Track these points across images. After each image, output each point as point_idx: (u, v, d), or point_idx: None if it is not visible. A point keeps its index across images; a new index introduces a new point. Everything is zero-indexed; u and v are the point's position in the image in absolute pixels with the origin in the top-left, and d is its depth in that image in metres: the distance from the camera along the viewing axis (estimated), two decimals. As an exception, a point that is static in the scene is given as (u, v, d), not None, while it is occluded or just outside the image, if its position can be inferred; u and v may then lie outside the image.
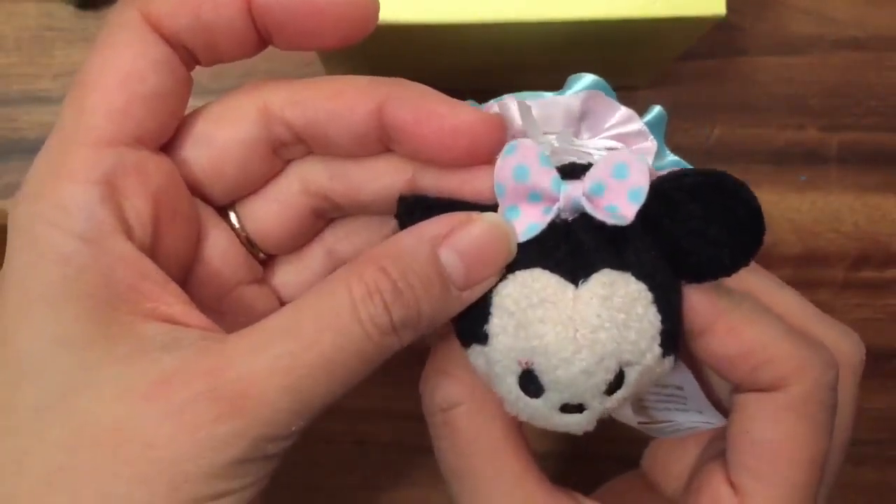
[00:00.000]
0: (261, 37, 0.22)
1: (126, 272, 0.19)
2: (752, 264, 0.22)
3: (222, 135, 0.22)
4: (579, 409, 0.21)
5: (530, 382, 0.20)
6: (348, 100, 0.21)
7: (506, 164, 0.21)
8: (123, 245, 0.19)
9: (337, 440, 0.36)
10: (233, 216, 0.24)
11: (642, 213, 0.21)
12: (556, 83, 0.37)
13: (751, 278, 0.24)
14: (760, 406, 0.22)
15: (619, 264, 0.20)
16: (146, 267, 0.20)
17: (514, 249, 0.21)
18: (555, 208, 0.21)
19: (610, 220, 0.20)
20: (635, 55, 0.33)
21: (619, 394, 0.21)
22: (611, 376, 0.20)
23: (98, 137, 0.19)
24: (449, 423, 0.23)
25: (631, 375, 0.21)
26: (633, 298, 0.20)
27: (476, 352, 0.21)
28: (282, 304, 0.25)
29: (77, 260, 0.18)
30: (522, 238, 0.21)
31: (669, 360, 0.21)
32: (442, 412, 0.23)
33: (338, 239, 0.25)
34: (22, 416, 0.18)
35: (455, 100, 0.21)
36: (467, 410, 0.23)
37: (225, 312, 0.23)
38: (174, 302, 0.20)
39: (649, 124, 0.25)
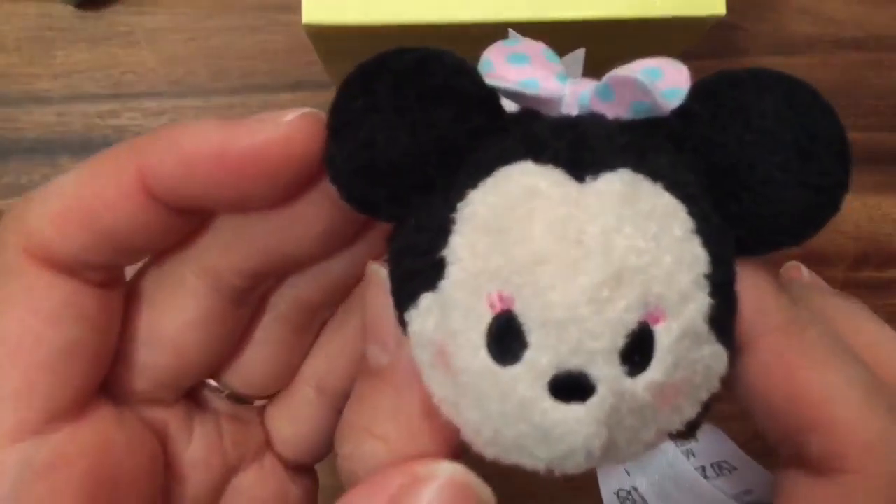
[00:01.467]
0: (172, 214, 0.16)
1: None
2: (825, 285, 0.17)
3: (170, 324, 0.18)
4: (582, 391, 0.13)
5: (506, 335, 0.13)
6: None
7: (501, 49, 0.15)
8: None
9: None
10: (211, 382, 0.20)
11: (679, 127, 0.15)
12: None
13: (827, 300, 0.18)
14: (808, 500, 0.15)
15: (645, 169, 0.14)
16: None
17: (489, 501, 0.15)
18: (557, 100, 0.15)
19: (633, 114, 0.14)
20: (635, 55, 0.33)
21: (647, 375, 0.13)
22: (634, 317, 0.13)
23: (13, 434, 0.15)
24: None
25: (664, 340, 0.13)
26: (666, 212, 0.14)
27: (423, 309, 0.14)
28: (285, 466, 0.21)
29: None
30: (513, 88, 0.15)
31: (720, 353, 0.14)
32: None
33: (322, 373, 0.21)
34: None
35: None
36: None
37: None
38: None
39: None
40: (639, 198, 0.14)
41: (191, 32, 0.38)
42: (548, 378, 0.13)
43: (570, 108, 0.15)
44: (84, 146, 0.37)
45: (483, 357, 0.13)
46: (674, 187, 0.14)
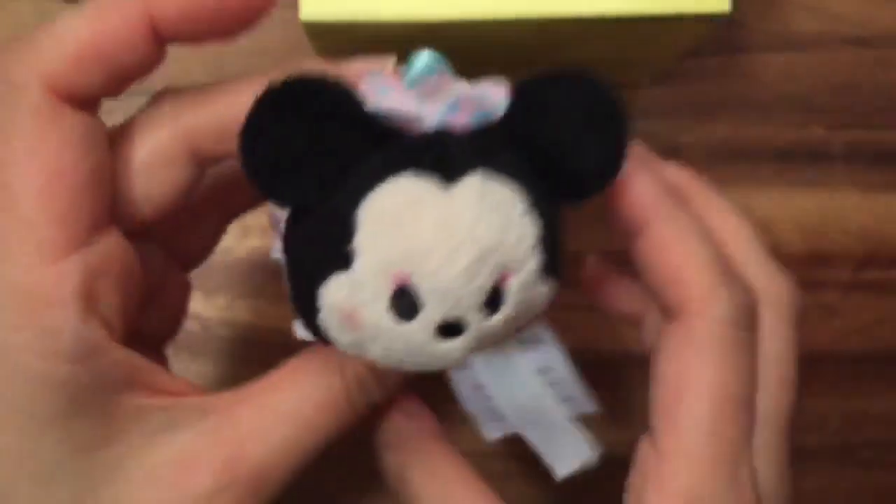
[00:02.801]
0: (162, 47, 0.20)
1: (119, 374, 0.20)
2: (709, 188, 0.25)
3: (158, 190, 0.21)
4: (457, 330, 0.19)
5: (405, 301, 0.18)
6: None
7: (369, 84, 0.19)
8: (111, 353, 0.19)
9: (336, 441, 0.36)
10: None
11: (507, 126, 0.20)
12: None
13: (705, 197, 0.25)
14: (667, 339, 0.22)
15: (492, 166, 0.19)
16: (133, 360, 0.20)
17: None
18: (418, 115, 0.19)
19: (476, 119, 0.20)
20: (638, 53, 0.32)
21: (500, 314, 0.19)
22: (492, 281, 0.19)
23: (54, 250, 0.18)
24: (405, 485, 0.24)
25: (511, 288, 0.19)
26: (509, 199, 0.19)
27: (333, 285, 0.19)
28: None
29: (73, 382, 0.19)
30: (386, 112, 0.19)
31: (551, 284, 0.20)
32: (397, 479, 0.25)
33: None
34: None
35: None
36: (413, 469, 0.24)
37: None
38: (160, 379, 0.21)
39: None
40: (490, 193, 0.19)
41: (187, 30, 0.38)
42: (434, 327, 0.19)
43: (431, 122, 0.19)
44: (79, 145, 0.37)
45: (388, 318, 0.19)
46: (513, 177, 0.19)
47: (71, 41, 0.18)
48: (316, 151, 0.19)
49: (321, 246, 0.19)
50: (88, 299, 0.19)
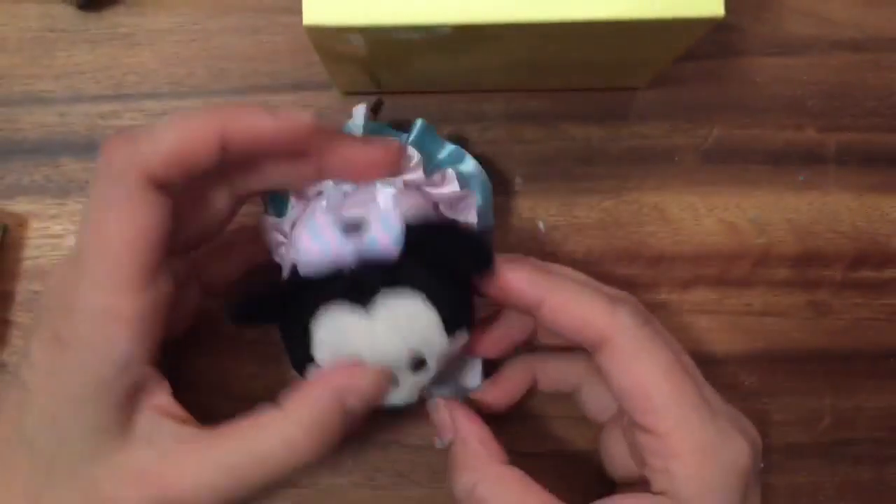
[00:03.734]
0: (225, 154, 0.26)
1: (141, 384, 0.26)
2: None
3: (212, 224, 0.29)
4: (396, 382, 0.28)
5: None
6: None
7: (308, 239, 0.27)
8: (142, 367, 0.26)
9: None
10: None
11: (409, 249, 0.27)
12: (553, 83, 0.37)
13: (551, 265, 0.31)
14: (606, 364, 0.28)
15: (394, 286, 0.26)
16: (153, 376, 0.26)
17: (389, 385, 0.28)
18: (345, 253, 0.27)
19: (380, 252, 0.27)
20: (634, 56, 0.33)
21: (425, 372, 0.28)
22: (410, 359, 0.27)
23: (133, 285, 0.25)
24: (475, 499, 0.28)
25: (430, 358, 0.28)
26: (409, 305, 0.27)
27: (309, 368, 0.28)
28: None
29: (111, 381, 0.25)
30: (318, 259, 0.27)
31: (460, 335, 0.28)
32: (468, 494, 0.29)
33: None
34: (41, 470, 0.25)
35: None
36: (483, 484, 0.29)
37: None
38: (162, 397, 0.27)
39: (419, 138, 0.32)
40: (396, 309, 0.27)
41: (192, 33, 0.38)
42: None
43: (351, 256, 0.27)
44: (86, 147, 0.37)
45: None
46: (410, 283, 0.27)
47: (164, 150, 0.25)
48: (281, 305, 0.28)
49: (297, 347, 0.28)
50: (144, 322, 0.25)
